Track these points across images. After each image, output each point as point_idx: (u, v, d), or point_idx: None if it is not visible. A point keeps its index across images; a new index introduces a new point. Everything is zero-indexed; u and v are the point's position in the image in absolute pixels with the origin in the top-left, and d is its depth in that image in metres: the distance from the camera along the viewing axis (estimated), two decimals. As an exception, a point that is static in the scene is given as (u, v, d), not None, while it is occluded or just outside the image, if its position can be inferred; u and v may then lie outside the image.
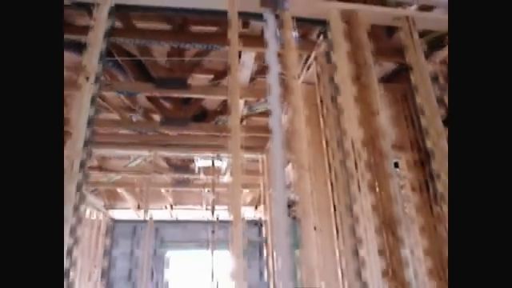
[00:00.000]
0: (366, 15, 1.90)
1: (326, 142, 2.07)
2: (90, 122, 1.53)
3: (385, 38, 2.68)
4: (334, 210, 1.90)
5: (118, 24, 2.73)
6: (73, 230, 1.39)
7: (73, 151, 1.40)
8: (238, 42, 2.41)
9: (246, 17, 1.90)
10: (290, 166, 2.81)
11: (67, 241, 1.33)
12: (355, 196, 1.53)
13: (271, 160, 3.13)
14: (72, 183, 1.38)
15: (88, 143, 1.48)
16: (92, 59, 1.58)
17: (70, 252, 1.33)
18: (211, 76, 3.40)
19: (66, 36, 2.45)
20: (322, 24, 1.94)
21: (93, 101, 1.57)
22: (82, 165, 1.45)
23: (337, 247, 1.84)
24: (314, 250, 1.43)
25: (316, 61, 2.23)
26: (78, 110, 1.46)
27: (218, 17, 1.87)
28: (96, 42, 1.61)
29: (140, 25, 2.82)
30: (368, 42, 1.84)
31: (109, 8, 1.73)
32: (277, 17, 1.85)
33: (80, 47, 3.17)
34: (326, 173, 2.02)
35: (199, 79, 3.58)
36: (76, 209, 1.39)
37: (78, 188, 1.42)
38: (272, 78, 1.71)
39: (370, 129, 1.69)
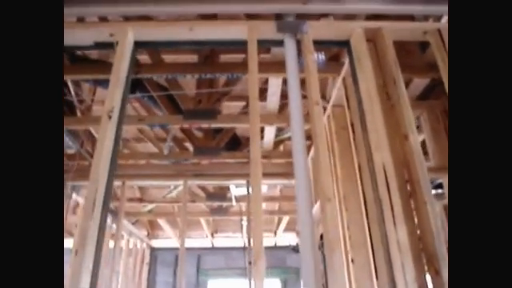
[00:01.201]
0: (391, 32, 1.80)
1: (359, 168, 1.96)
2: (113, 161, 1.53)
3: (418, 54, 2.55)
4: (371, 241, 1.76)
5: (147, 59, 2.82)
6: (95, 268, 1.37)
7: (93, 191, 1.39)
8: (265, 68, 2.41)
9: (266, 44, 1.87)
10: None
11: (87, 280, 1.30)
12: (389, 226, 1.40)
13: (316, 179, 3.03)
14: (93, 223, 1.37)
15: (110, 181, 1.48)
16: (114, 96, 1.59)
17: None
18: (243, 103, 3.39)
19: (103, 76, 2.50)
20: (346, 44, 1.86)
21: (116, 138, 1.58)
22: (105, 203, 1.44)
23: (375, 282, 1.69)
24: (344, 284, 1.30)
25: (344, 82, 2.14)
26: (99, 149, 1.47)
27: (240, 46, 1.85)
28: (117, 79, 1.63)
29: (168, 57, 2.90)
30: (396, 60, 1.73)
31: (129, 45, 1.76)
32: (298, 41, 1.81)
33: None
34: (360, 201, 1.89)
35: (231, 107, 3.59)
36: (98, 248, 1.38)
37: (100, 228, 1.40)
38: (293, 104, 1.65)
39: (403, 152, 1.57)
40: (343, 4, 1.83)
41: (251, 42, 1.73)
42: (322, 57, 2.25)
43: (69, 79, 2.78)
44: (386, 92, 1.73)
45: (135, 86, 3.31)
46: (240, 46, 1.81)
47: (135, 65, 2.79)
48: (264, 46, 1.89)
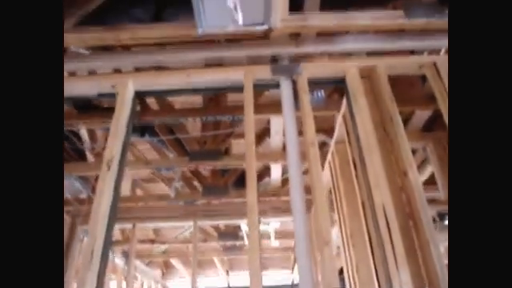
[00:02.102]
0: (386, 68, 1.82)
1: (363, 205, 1.92)
2: (112, 210, 1.55)
3: (420, 85, 2.55)
4: (378, 281, 1.70)
5: (154, 104, 2.91)
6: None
7: (91, 241, 1.40)
8: (266, 109, 2.45)
9: (263, 87, 1.90)
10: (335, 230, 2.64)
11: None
12: (392, 269, 1.35)
13: (314, 221, 2.98)
14: (92, 273, 1.37)
15: (109, 231, 1.49)
16: (114, 146, 1.64)
17: None
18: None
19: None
20: (343, 82, 1.88)
21: (116, 187, 1.60)
22: (104, 252, 1.45)
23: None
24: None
25: (344, 119, 2.15)
26: (98, 199, 1.49)
27: (238, 90, 1.89)
28: (117, 129, 1.68)
29: (174, 101, 2.98)
30: (391, 96, 1.73)
31: (129, 95, 1.82)
32: (294, 82, 1.84)
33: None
34: (365, 240, 1.84)
35: (240, 144, 3.62)
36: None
37: (99, 277, 1.41)
38: (290, 145, 1.66)
39: (404, 190, 1.54)
40: (335, 44, 1.87)
41: (247, 87, 1.77)
42: (321, 94, 2.28)
43: (83, 127, 2.87)
44: (384, 128, 1.73)
45: (145, 129, 3.40)
46: (238, 90, 1.86)
47: (143, 109, 2.89)
48: (261, 89, 1.93)
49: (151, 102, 2.79)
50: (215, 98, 2.84)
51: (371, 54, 2.17)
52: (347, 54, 2.21)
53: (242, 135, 3.53)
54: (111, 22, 1.93)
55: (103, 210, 1.50)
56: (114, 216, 1.55)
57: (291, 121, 1.72)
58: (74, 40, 1.79)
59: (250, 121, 1.68)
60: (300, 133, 1.71)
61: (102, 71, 1.91)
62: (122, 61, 1.85)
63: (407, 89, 2.79)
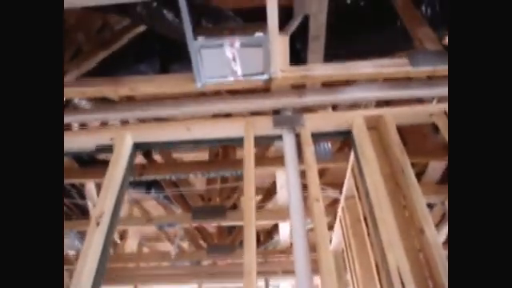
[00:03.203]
0: (394, 118, 1.73)
1: (377, 267, 1.74)
2: (99, 270, 1.41)
3: (433, 136, 2.44)
4: None
5: (160, 159, 2.86)
6: None
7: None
8: (270, 162, 2.35)
9: (265, 140, 1.83)
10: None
11: None
12: None
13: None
14: None
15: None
16: (105, 201, 1.54)
17: None
18: (259, 196, 3.30)
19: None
20: (349, 134, 1.79)
21: (105, 245, 1.48)
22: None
23: None
24: None
25: (353, 172, 2.03)
26: (83, 258, 1.37)
27: (239, 143, 1.81)
28: (111, 183, 1.60)
29: (180, 156, 2.93)
30: (401, 147, 1.62)
31: (127, 148, 1.76)
32: (297, 135, 1.76)
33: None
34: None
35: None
36: None
37: None
38: (293, 201, 1.54)
39: (421, 249, 1.38)
40: (340, 94, 1.81)
41: (247, 139, 1.69)
42: (328, 147, 2.18)
43: (88, 182, 2.82)
44: (396, 182, 1.60)
45: (151, 184, 3.32)
46: (239, 142, 1.78)
47: (150, 164, 2.83)
48: (263, 142, 1.86)
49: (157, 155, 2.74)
50: (223, 150, 2.78)
51: (380, 103, 2.11)
52: (353, 105, 2.16)
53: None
54: (115, 75, 1.93)
55: (88, 272, 1.37)
56: (101, 276, 1.42)
57: (294, 175, 1.61)
58: (75, 93, 1.78)
59: (250, 175, 1.58)
60: (305, 187, 1.60)
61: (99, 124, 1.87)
62: (120, 114, 1.81)
63: (420, 139, 2.68)
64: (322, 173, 3.87)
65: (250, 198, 1.49)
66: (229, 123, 1.77)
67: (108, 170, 1.63)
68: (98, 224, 1.47)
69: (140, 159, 2.60)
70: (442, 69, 1.67)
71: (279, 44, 1.63)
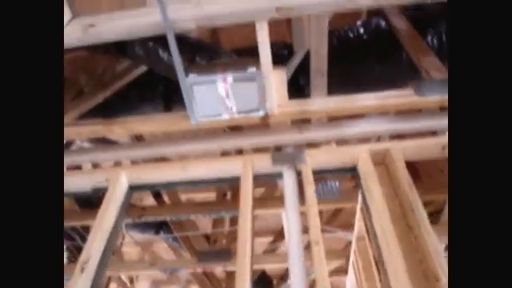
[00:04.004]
0: (402, 152, 1.61)
1: (392, 319, 1.55)
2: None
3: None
4: None
5: (167, 200, 2.79)
6: None
7: None
8: (276, 203, 2.24)
9: (265, 178, 1.73)
10: None
11: None
12: None
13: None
14: None
15: None
16: (93, 245, 1.45)
17: None
18: (269, 238, 3.15)
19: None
20: (354, 171, 1.68)
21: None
22: None
23: None
24: None
25: (362, 212, 1.89)
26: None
27: (237, 182, 1.72)
28: (101, 225, 1.52)
29: (186, 196, 2.85)
30: (411, 183, 1.49)
31: (121, 189, 1.70)
32: (299, 172, 1.66)
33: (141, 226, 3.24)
34: None
35: (256, 243, 3.34)
36: None
37: None
38: (293, 243, 1.42)
39: (437, 301, 1.21)
40: (344, 128, 1.72)
41: (244, 178, 1.60)
42: (336, 185, 2.06)
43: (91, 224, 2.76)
44: (406, 222, 1.46)
45: (160, 226, 3.24)
46: (237, 182, 1.69)
47: (159, 205, 2.76)
48: (262, 180, 1.76)
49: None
50: (232, 190, 2.70)
51: (394, 137, 1.99)
52: (363, 139, 2.06)
53: (261, 232, 3.30)
54: (119, 116, 1.91)
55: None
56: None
57: (294, 216, 1.50)
58: (71, 134, 1.75)
59: (246, 217, 1.47)
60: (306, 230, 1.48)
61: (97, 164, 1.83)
62: (115, 154, 1.77)
63: (436, 175, 2.52)
64: (335, 213, 3.70)
65: (244, 243, 1.37)
66: (225, 162, 1.69)
67: (99, 213, 1.56)
68: (82, 270, 1.38)
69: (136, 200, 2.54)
70: (451, 98, 1.56)
71: (275, 79, 1.58)
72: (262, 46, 1.41)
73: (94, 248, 1.45)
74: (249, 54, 1.63)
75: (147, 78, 2.30)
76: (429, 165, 2.61)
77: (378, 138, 2.71)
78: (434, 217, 2.41)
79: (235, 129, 2.15)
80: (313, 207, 1.45)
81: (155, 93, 2.36)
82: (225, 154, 2.94)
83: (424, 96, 1.58)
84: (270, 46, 2.09)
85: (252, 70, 1.46)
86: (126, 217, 1.73)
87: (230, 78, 1.47)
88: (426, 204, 2.46)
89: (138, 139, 3.02)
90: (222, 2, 1.38)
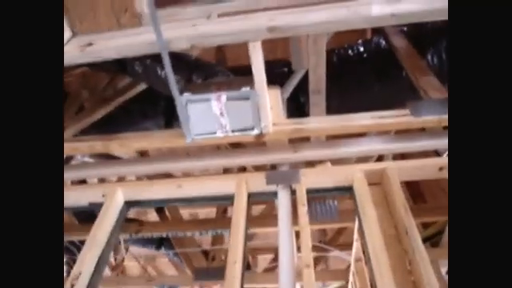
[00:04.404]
0: (398, 172, 1.58)
1: None
2: None
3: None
4: None
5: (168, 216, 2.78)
6: None
7: None
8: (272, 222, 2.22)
9: (260, 197, 1.72)
10: None
11: None
12: None
13: None
14: None
15: None
16: (85, 260, 1.45)
17: None
18: (271, 255, 3.11)
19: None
20: (350, 190, 1.66)
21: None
22: None
23: None
24: None
25: (358, 233, 1.86)
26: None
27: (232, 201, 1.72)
28: (94, 241, 1.52)
29: (189, 212, 2.84)
30: (405, 205, 1.46)
31: (117, 205, 1.70)
32: (294, 191, 1.64)
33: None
34: None
35: (259, 259, 3.30)
36: None
37: None
38: (284, 265, 1.40)
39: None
40: (340, 148, 1.70)
41: (238, 197, 1.59)
42: (334, 204, 2.03)
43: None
44: (401, 246, 1.43)
45: (162, 241, 3.23)
46: (231, 200, 1.68)
47: (161, 220, 2.76)
48: (257, 199, 1.74)
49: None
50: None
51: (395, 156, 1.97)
52: (359, 159, 2.04)
53: (263, 249, 3.26)
54: (122, 131, 1.93)
55: None
56: None
57: (286, 236, 1.48)
58: (68, 149, 1.77)
59: (237, 235, 1.45)
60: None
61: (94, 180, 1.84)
62: (111, 170, 1.78)
63: (440, 196, 2.48)
64: (340, 231, 3.65)
65: (233, 263, 1.35)
66: (220, 180, 1.69)
67: (93, 228, 1.57)
68: (72, 286, 1.38)
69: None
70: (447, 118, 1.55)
71: (270, 97, 1.58)
72: (255, 66, 1.41)
73: (85, 264, 1.45)
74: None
75: (149, 94, 2.33)
76: (432, 185, 2.56)
77: (381, 157, 2.69)
78: (437, 238, 2.35)
79: (236, 146, 2.16)
80: (305, 228, 1.44)
81: (157, 109, 2.39)
82: (227, 170, 2.94)
83: (420, 116, 1.56)
84: (270, 64, 2.11)
85: (246, 89, 1.47)
86: (121, 232, 1.73)
87: (223, 96, 1.47)
88: (429, 225, 2.43)
89: (143, 155, 3.04)
90: (215, 22, 1.40)
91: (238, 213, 1.54)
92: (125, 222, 2.13)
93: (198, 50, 2.44)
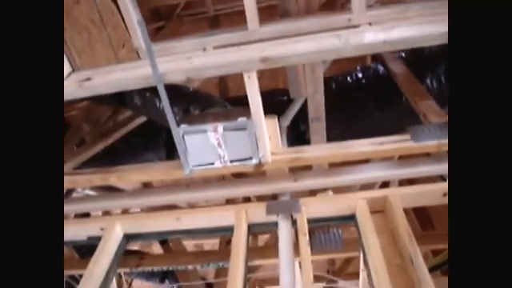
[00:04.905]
0: (401, 199, 1.54)
1: None
2: None
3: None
4: None
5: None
6: None
7: None
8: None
9: (261, 227, 1.68)
10: None
11: None
12: None
13: None
14: None
15: None
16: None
17: None
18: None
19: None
20: (353, 219, 1.62)
21: None
22: None
23: None
24: None
25: (363, 262, 1.79)
26: None
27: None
28: (91, 275, 1.49)
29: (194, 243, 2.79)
30: (409, 232, 1.42)
31: (116, 238, 1.68)
32: (295, 221, 1.61)
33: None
34: None
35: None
36: None
37: None
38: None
39: None
40: (341, 176, 1.67)
41: (238, 228, 1.56)
42: (338, 233, 1.98)
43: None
44: (406, 274, 1.37)
45: (166, 274, 3.16)
46: (232, 231, 1.65)
47: (166, 252, 2.71)
48: (258, 229, 1.71)
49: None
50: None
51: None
52: (363, 185, 2.00)
53: (267, 280, 3.17)
54: (125, 163, 1.93)
55: None
56: None
57: (288, 268, 1.43)
58: (67, 183, 1.77)
59: (236, 270, 1.41)
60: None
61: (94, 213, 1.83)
62: (111, 202, 1.77)
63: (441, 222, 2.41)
64: (348, 261, 3.54)
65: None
66: (219, 212, 1.66)
67: (90, 263, 1.54)
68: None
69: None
70: (447, 142, 1.52)
71: (268, 127, 1.57)
72: (251, 96, 1.42)
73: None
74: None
75: (150, 127, 2.35)
76: (441, 210, 2.50)
77: (387, 184, 2.64)
78: (447, 265, 2.27)
79: (240, 176, 2.14)
80: (306, 259, 1.39)
81: (158, 141, 2.40)
82: (231, 200, 2.91)
83: (420, 141, 1.54)
84: (270, 93, 2.12)
85: (242, 119, 1.46)
86: (120, 266, 1.70)
87: (220, 127, 1.47)
88: (439, 252, 2.34)
89: (146, 186, 3.04)
90: (210, 54, 1.42)
91: (238, 245, 1.50)
92: (126, 255, 2.09)
93: (199, 81, 2.47)
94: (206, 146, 1.53)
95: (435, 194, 1.57)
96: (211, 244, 3.85)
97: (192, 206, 2.92)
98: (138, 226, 1.73)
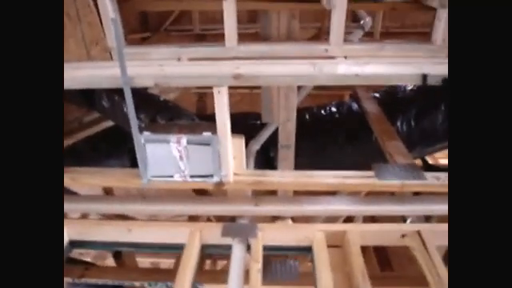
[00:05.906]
0: (361, 235, 1.52)
1: None
2: None
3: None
4: None
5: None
6: None
7: None
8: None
9: (214, 249, 1.61)
10: None
11: None
12: None
13: None
14: None
15: None
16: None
17: None
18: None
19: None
20: (309, 251, 1.58)
21: None
22: None
23: None
24: None
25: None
26: None
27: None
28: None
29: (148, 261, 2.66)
30: (363, 271, 1.38)
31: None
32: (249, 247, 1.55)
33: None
34: None
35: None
36: None
37: None
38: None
39: None
40: (302, 205, 1.64)
41: (189, 247, 1.48)
42: (295, 265, 1.93)
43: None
44: (358, 315, 1.33)
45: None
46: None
47: (119, 266, 2.56)
48: (212, 251, 1.64)
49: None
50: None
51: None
52: (327, 217, 1.97)
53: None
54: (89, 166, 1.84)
55: None
56: None
57: (235, 295, 1.36)
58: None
59: (182, 290, 1.33)
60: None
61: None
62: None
63: (406, 264, 2.39)
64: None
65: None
66: (174, 228, 1.59)
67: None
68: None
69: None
70: (410, 183, 1.52)
71: (234, 146, 1.54)
72: (219, 111, 1.39)
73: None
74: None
75: (117, 133, 2.28)
76: (400, 252, 2.49)
77: (351, 218, 2.63)
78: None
79: (203, 193, 2.08)
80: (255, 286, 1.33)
81: (123, 148, 2.32)
82: (194, 218, 2.83)
83: (383, 179, 1.53)
84: (244, 116, 2.10)
85: (207, 134, 1.43)
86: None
87: (184, 139, 1.43)
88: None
89: (108, 193, 2.92)
90: (183, 64, 1.39)
91: (186, 264, 1.42)
92: (69, 264, 1.97)
93: (175, 94, 2.44)
94: (167, 157, 1.48)
95: (394, 234, 1.56)
96: (168, 264, 3.70)
97: (154, 219, 2.81)
98: (86, 232, 1.63)
